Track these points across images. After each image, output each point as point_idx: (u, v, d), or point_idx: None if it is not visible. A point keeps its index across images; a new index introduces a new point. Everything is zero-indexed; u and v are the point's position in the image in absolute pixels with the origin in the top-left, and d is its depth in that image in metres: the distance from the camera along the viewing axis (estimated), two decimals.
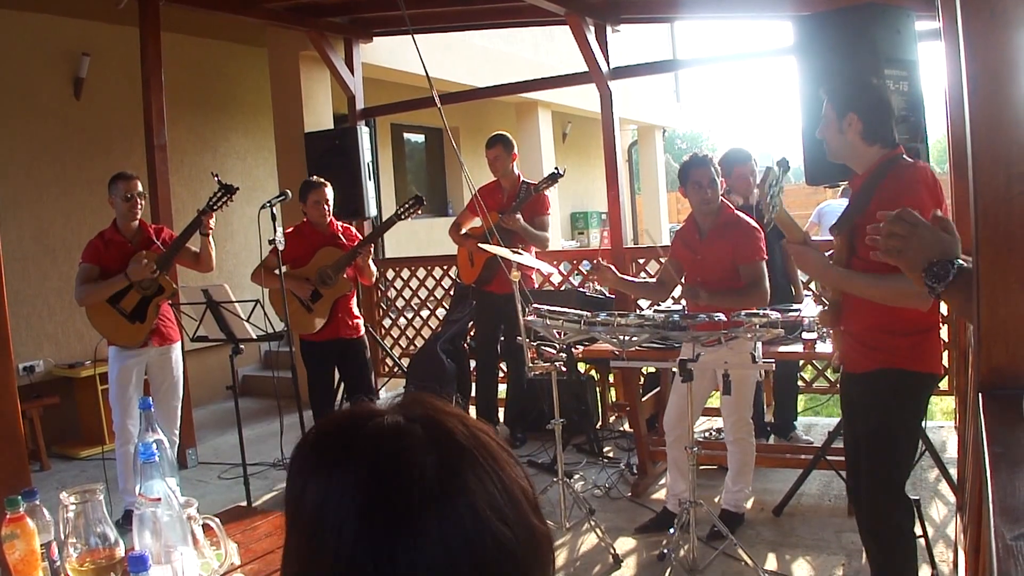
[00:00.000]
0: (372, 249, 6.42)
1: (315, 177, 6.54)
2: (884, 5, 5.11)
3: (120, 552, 2.18)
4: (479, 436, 0.98)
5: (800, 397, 8.28)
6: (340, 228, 6.57)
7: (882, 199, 3.30)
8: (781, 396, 6.96)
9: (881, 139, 3.49)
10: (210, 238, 6.06)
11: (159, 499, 2.08)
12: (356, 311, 6.62)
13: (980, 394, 1.63)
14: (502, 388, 7.91)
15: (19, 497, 2.12)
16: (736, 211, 5.22)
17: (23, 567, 2.09)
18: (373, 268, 6.53)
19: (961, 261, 2.04)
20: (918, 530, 4.13)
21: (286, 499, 0.99)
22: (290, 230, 6.46)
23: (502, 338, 7.47)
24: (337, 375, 6.83)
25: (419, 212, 6.64)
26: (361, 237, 6.59)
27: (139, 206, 5.96)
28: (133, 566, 1.77)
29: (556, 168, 7.11)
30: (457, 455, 0.93)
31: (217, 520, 2.25)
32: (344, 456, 0.95)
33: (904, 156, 3.53)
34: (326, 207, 6.41)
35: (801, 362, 7.37)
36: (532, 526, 0.97)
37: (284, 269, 6.20)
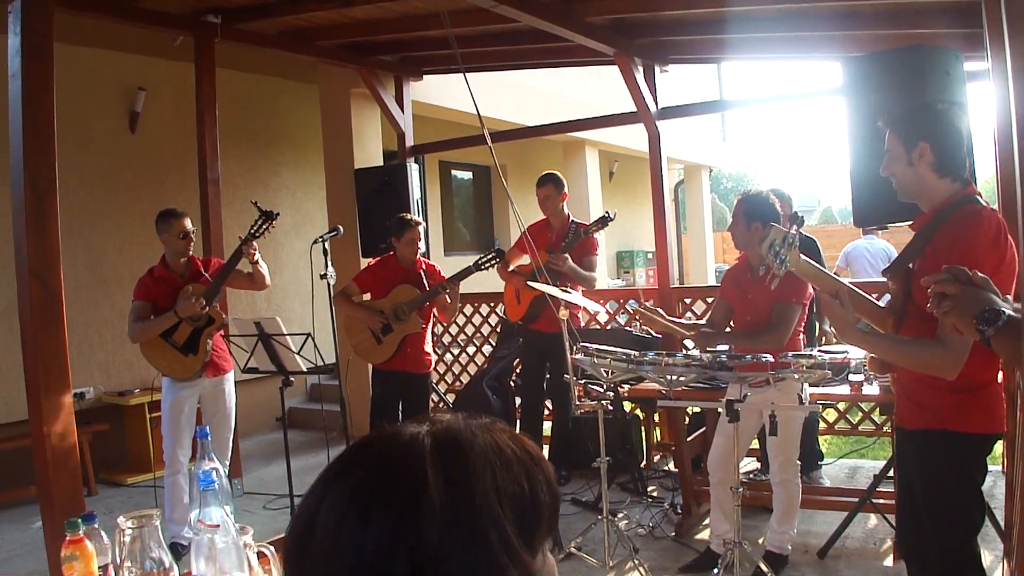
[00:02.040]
0: (458, 291, 6.54)
1: (409, 215, 6.67)
2: (933, 47, 5.12)
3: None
4: (500, 450, 1.04)
5: (846, 440, 8.23)
6: (424, 266, 6.69)
7: (937, 248, 3.12)
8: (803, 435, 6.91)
9: (953, 171, 3.22)
10: (260, 263, 6.14)
11: (218, 525, 2.12)
12: (428, 348, 6.74)
13: None
14: (547, 426, 7.90)
15: (79, 519, 2.16)
16: None
17: None
18: (457, 308, 6.71)
19: (1010, 312, 2.06)
20: None
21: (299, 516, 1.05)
22: (375, 262, 6.61)
23: (547, 376, 7.47)
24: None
25: (496, 264, 6.72)
26: (445, 277, 6.65)
27: (192, 242, 6.06)
28: None
29: (607, 212, 7.12)
30: (461, 466, 0.99)
31: (271, 549, 2.28)
32: (349, 467, 1.04)
33: (976, 198, 3.23)
34: (419, 245, 6.59)
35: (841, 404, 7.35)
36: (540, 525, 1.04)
37: (363, 298, 6.49)
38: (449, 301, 6.49)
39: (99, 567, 2.19)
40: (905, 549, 3.74)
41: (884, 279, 3.55)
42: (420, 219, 6.67)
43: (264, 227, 6.05)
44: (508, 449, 1.05)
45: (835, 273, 10.57)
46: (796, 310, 4.95)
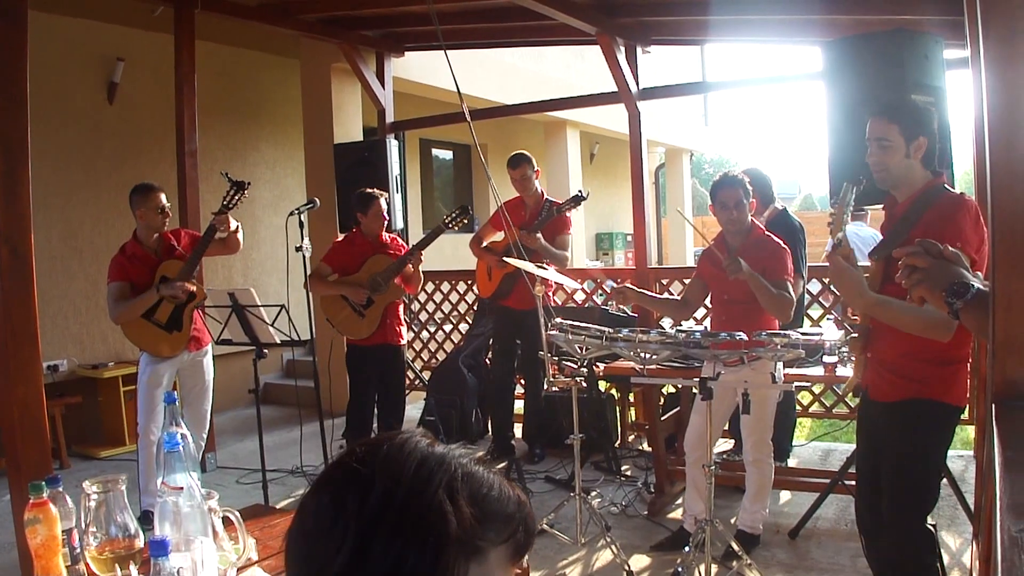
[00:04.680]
0: (422, 257, 6.54)
1: (373, 189, 6.65)
2: (912, 31, 5.12)
3: (139, 543, 2.20)
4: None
5: (819, 423, 8.27)
6: (388, 238, 6.70)
7: (927, 230, 3.21)
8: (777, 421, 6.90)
9: (933, 165, 3.45)
10: (232, 225, 6.11)
11: (182, 488, 2.11)
12: (402, 318, 6.76)
13: (994, 404, 1.65)
14: (519, 404, 7.90)
15: (43, 483, 2.15)
16: (765, 231, 5.21)
17: (43, 552, 2.12)
18: (421, 276, 6.73)
19: (979, 285, 2.08)
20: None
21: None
22: (341, 239, 6.63)
23: (519, 353, 7.47)
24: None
25: (465, 222, 6.72)
26: (406, 246, 6.69)
27: (169, 217, 6.02)
28: (154, 550, 1.79)
29: (580, 190, 7.14)
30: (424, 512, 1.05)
31: (237, 513, 2.28)
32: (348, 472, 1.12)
33: (947, 186, 3.48)
34: (385, 216, 6.65)
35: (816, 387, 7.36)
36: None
37: (334, 276, 6.50)
38: (413, 269, 6.53)
39: (63, 531, 2.18)
40: (864, 524, 3.85)
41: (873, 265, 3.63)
42: (382, 191, 6.68)
43: (236, 198, 6.02)
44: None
45: (825, 259, 10.67)
46: (787, 284, 4.96)
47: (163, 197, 5.96)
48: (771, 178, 6.38)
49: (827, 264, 3.78)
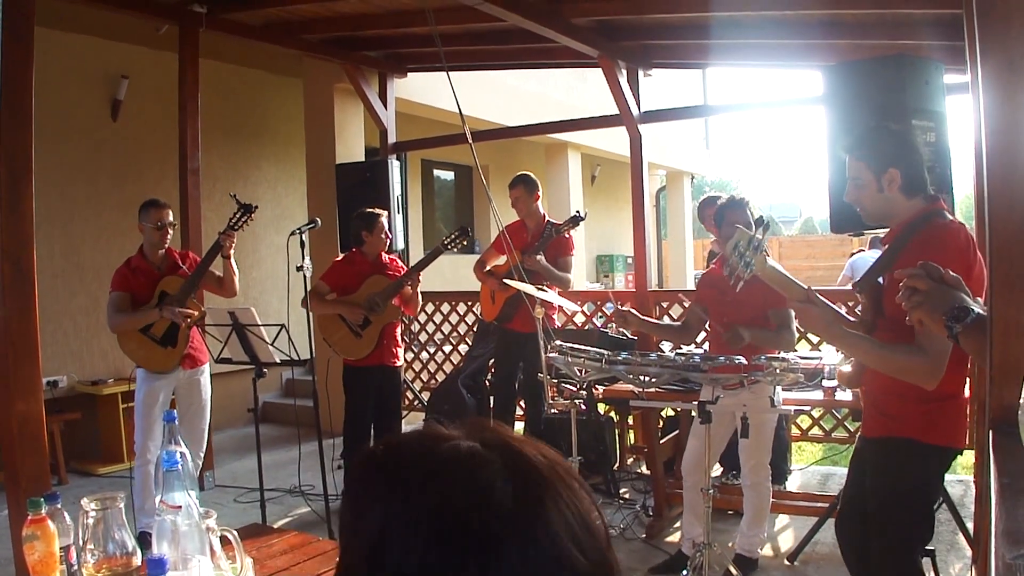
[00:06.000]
0: (420, 279, 6.54)
1: (375, 208, 6.67)
2: (913, 56, 5.14)
3: (137, 561, 2.20)
4: (556, 466, 0.95)
5: (819, 446, 8.25)
6: (388, 259, 6.70)
7: (907, 259, 2.97)
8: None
9: (922, 190, 3.24)
10: (232, 261, 6.12)
11: (180, 507, 2.11)
12: (399, 340, 6.75)
13: (991, 430, 1.65)
14: (519, 426, 7.89)
15: (41, 499, 2.15)
16: None
17: (41, 568, 2.12)
18: (419, 298, 6.71)
19: (979, 310, 2.07)
20: None
21: (342, 518, 0.99)
22: (340, 259, 6.64)
23: (520, 376, 7.46)
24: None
25: (464, 244, 6.73)
26: (405, 268, 6.69)
27: (169, 235, 6.02)
28: (152, 569, 1.80)
29: (578, 211, 7.14)
30: (535, 483, 0.91)
31: (235, 533, 2.27)
32: (417, 479, 0.92)
33: (944, 212, 3.25)
34: (388, 236, 6.69)
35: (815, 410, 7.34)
36: (606, 557, 0.93)
37: (332, 296, 6.50)
38: (412, 290, 6.52)
39: (61, 548, 2.18)
40: (844, 545, 3.73)
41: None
42: (382, 210, 6.71)
43: (243, 219, 6.04)
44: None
45: (841, 283, 10.48)
46: (791, 312, 4.91)
47: (166, 214, 5.97)
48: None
49: (840, 287, 3.68)
